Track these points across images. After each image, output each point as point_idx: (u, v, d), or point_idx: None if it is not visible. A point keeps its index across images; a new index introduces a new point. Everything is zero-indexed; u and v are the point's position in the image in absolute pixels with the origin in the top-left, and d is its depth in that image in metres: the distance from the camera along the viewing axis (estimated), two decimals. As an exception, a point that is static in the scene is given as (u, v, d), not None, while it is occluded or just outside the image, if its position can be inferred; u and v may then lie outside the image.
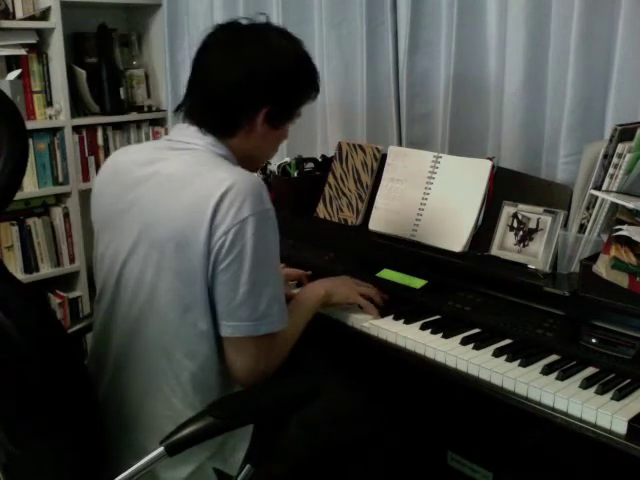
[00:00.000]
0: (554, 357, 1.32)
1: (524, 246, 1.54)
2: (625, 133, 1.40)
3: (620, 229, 1.29)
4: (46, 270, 2.70)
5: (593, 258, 1.36)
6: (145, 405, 1.26)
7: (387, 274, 1.66)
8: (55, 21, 2.57)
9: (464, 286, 1.54)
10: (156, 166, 1.27)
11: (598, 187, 1.43)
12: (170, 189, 1.23)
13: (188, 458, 1.22)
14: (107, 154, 2.81)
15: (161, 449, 1.10)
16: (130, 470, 1.11)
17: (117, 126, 2.89)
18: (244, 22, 1.33)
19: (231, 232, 1.16)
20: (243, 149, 1.32)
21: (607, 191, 1.40)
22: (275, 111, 1.30)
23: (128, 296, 1.26)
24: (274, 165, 2.10)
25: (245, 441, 1.30)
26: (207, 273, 1.19)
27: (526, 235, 1.54)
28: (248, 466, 1.23)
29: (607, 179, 1.42)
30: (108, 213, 1.33)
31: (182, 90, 1.39)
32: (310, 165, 2.08)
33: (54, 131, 2.66)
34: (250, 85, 1.27)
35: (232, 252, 1.17)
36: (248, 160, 1.35)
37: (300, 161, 2.06)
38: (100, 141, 2.82)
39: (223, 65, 1.28)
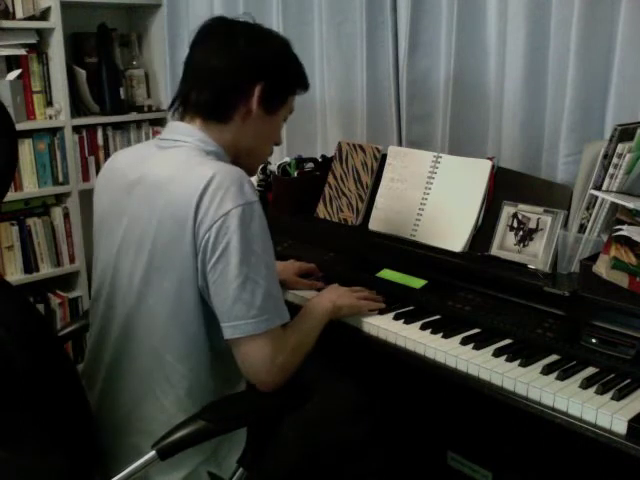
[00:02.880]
0: (554, 357, 1.32)
1: (524, 246, 1.54)
2: (625, 133, 1.40)
3: (620, 229, 1.29)
4: (46, 270, 2.69)
5: (593, 258, 1.36)
6: (138, 407, 1.25)
7: (387, 274, 1.66)
8: (55, 21, 2.57)
9: (464, 286, 1.53)
10: (143, 168, 1.27)
11: (598, 187, 1.43)
12: (155, 193, 1.22)
13: (181, 463, 1.21)
14: (107, 154, 2.82)
15: (153, 453, 1.08)
16: (122, 473, 1.09)
17: (117, 126, 2.89)
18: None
19: (214, 228, 1.13)
20: (238, 140, 1.31)
21: (607, 191, 1.40)
22: (269, 90, 1.29)
23: (120, 299, 1.26)
24: (274, 165, 2.10)
25: (240, 444, 1.29)
26: (197, 274, 1.17)
27: (526, 235, 1.54)
28: (241, 469, 1.22)
29: (607, 179, 1.42)
30: (103, 218, 1.34)
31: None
32: (310, 165, 2.08)
33: (54, 131, 2.66)
34: (244, 64, 1.28)
35: (218, 248, 1.14)
36: (245, 155, 1.34)
37: (300, 161, 2.06)
38: (100, 141, 2.82)
39: (218, 49, 1.30)
